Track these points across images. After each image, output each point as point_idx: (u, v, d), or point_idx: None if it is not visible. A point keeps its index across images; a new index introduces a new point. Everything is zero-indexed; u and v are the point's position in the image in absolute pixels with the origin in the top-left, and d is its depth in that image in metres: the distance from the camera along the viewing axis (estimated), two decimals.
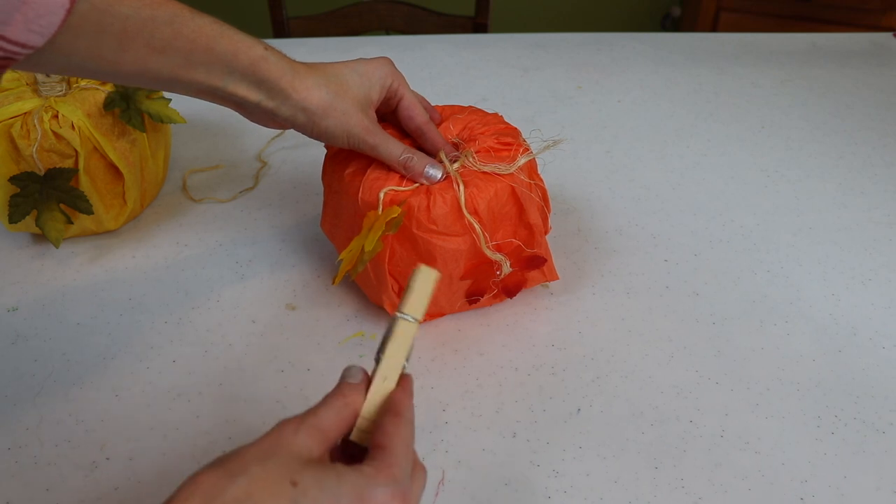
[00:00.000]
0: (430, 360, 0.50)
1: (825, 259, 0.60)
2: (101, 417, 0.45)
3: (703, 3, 1.93)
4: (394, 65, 0.49)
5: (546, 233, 0.55)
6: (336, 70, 0.46)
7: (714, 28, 1.95)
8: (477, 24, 1.25)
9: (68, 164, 0.54)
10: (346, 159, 0.50)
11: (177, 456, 0.43)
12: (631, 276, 0.57)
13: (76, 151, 0.54)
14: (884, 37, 1.03)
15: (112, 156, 0.56)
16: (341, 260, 0.48)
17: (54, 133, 0.53)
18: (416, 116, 0.50)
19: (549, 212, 0.54)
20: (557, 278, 0.53)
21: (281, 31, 1.23)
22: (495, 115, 0.54)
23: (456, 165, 0.48)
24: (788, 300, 0.55)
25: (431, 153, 0.50)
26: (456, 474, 0.42)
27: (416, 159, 0.47)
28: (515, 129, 0.53)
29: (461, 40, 0.99)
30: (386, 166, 0.48)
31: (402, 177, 0.48)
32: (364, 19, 1.26)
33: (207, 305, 0.54)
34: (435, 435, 0.44)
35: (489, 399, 0.47)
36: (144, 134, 0.58)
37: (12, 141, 0.53)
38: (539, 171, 0.53)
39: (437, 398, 0.47)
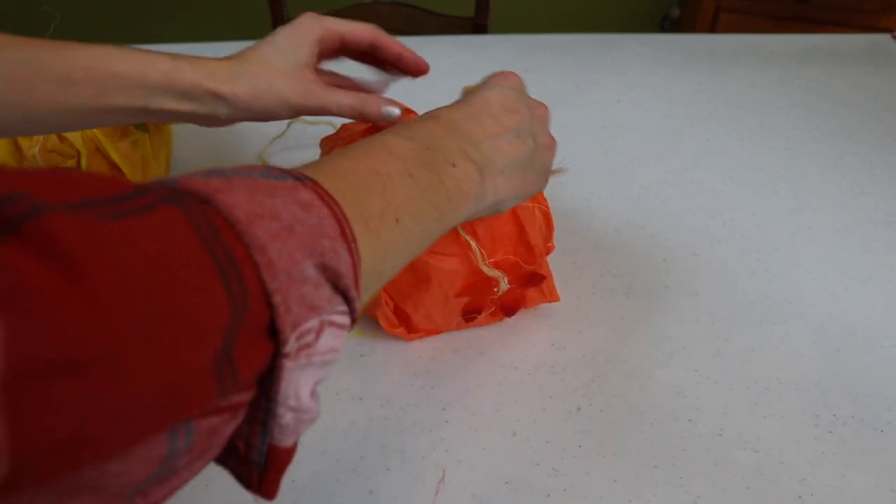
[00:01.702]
0: (430, 359, 0.50)
1: (824, 259, 0.60)
2: None
3: (702, 4, 1.93)
4: (315, 16, 0.48)
5: (548, 252, 0.55)
6: (253, 52, 0.46)
7: (713, 29, 1.95)
8: (477, 24, 1.26)
9: (70, 164, 0.55)
10: None
11: None
12: (630, 276, 0.57)
13: (78, 152, 0.54)
14: (882, 38, 1.03)
15: (114, 156, 0.56)
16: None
17: (56, 133, 0.53)
18: (362, 35, 0.49)
19: (552, 231, 0.54)
20: (558, 299, 0.52)
21: None
22: None
23: None
24: (787, 300, 0.55)
25: (397, 63, 0.50)
26: (456, 473, 0.42)
27: (369, 102, 0.47)
28: None
29: (461, 41, 0.99)
30: None
31: None
32: (364, 20, 1.26)
33: None
34: (435, 434, 0.45)
35: (489, 398, 0.47)
36: (146, 134, 0.59)
37: (15, 141, 0.53)
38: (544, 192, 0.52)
39: (437, 397, 0.47)
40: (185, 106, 0.43)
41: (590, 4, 2.28)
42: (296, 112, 0.47)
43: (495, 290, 0.48)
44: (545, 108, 0.46)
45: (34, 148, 0.53)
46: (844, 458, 0.44)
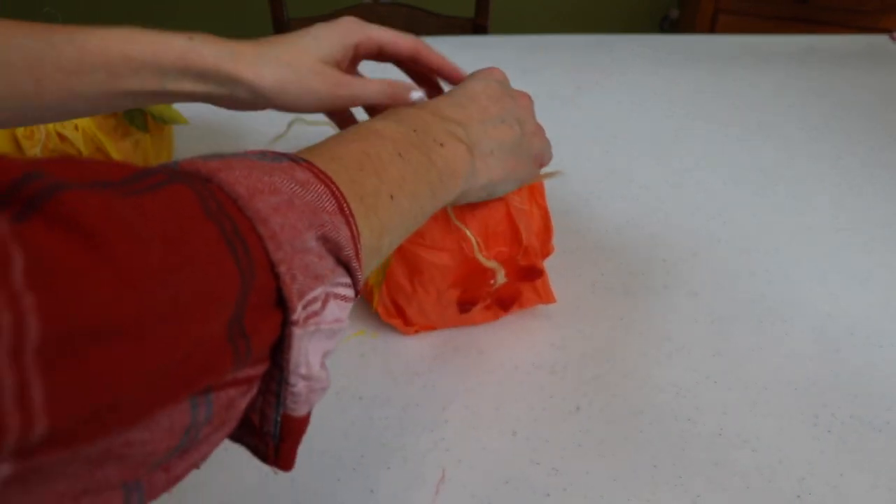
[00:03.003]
0: (431, 357, 0.50)
1: (823, 259, 0.60)
2: None
3: (701, 5, 1.94)
4: (358, 21, 0.47)
5: (547, 255, 0.55)
6: (289, 40, 0.44)
7: (712, 30, 1.95)
8: (477, 25, 1.26)
9: None
10: None
11: None
12: (630, 276, 0.58)
13: (79, 152, 0.54)
14: (881, 38, 1.04)
15: (115, 156, 0.56)
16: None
17: (58, 134, 0.53)
18: (402, 46, 0.48)
19: (550, 234, 0.54)
20: (554, 301, 0.52)
21: (282, 31, 1.24)
22: None
23: None
24: (786, 300, 0.56)
25: (437, 74, 0.50)
26: (456, 472, 0.43)
27: (399, 88, 0.46)
28: None
29: (461, 42, 1.00)
30: None
31: None
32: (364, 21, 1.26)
33: None
34: (435, 433, 0.45)
35: (489, 397, 0.47)
36: (147, 135, 0.59)
37: (16, 142, 0.53)
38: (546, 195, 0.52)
39: (436, 396, 0.47)
40: (201, 87, 0.42)
41: (589, 5, 2.28)
42: (325, 105, 0.45)
43: (492, 282, 0.48)
44: (528, 97, 0.47)
45: (35, 147, 0.53)
46: (843, 458, 0.44)
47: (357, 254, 0.27)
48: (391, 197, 0.32)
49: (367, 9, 1.25)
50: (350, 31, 0.46)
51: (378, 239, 0.30)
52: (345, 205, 0.27)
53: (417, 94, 0.47)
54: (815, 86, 0.89)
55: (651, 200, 0.67)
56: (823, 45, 1.01)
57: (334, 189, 0.27)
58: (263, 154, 0.26)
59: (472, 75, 0.47)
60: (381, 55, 0.49)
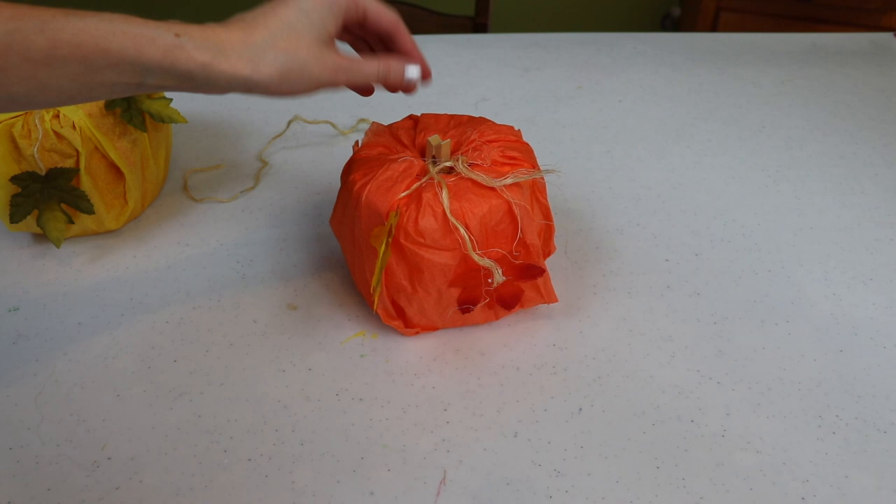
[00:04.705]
0: (432, 359, 0.50)
1: (826, 259, 0.60)
2: (103, 417, 0.45)
3: (702, 3, 1.93)
4: None
5: (548, 254, 0.55)
6: (279, 19, 0.40)
7: (714, 28, 1.95)
8: (477, 23, 1.25)
9: (69, 163, 0.54)
10: (364, 163, 0.50)
11: (178, 456, 0.43)
12: (632, 276, 0.57)
13: (77, 151, 0.54)
14: (884, 37, 1.03)
15: (113, 155, 0.56)
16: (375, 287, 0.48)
17: (55, 133, 0.53)
18: (385, 19, 0.45)
19: (552, 233, 0.54)
20: (556, 300, 0.52)
21: None
22: (509, 127, 0.53)
23: (438, 168, 0.48)
24: (789, 300, 0.55)
25: (405, 55, 0.46)
26: (457, 474, 0.42)
27: (393, 67, 0.44)
28: (527, 145, 0.52)
29: (461, 40, 0.99)
30: (395, 176, 0.47)
31: (409, 185, 0.47)
32: None
33: (209, 305, 0.54)
34: (436, 434, 0.45)
35: (491, 399, 0.47)
36: (145, 134, 0.58)
37: (13, 140, 0.53)
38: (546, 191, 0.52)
39: (438, 398, 0.47)
40: (189, 84, 0.39)
41: (590, 3, 2.28)
42: (323, 88, 0.42)
43: (490, 281, 0.48)
44: None
45: (32, 147, 0.52)
46: (847, 459, 0.43)
47: None
48: None
49: None
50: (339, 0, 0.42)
51: None
52: None
53: (413, 69, 0.45)
54: (817, 84, 0.89)
55: (653, 200, 0.67)
56: (826, 43, 1.01)
57: None
58: None
59: None
60: (363, 25, 0.45)
